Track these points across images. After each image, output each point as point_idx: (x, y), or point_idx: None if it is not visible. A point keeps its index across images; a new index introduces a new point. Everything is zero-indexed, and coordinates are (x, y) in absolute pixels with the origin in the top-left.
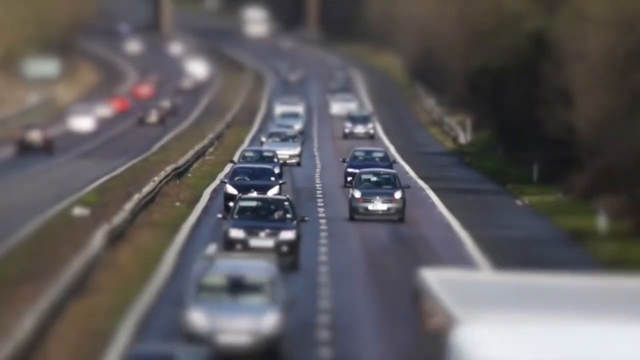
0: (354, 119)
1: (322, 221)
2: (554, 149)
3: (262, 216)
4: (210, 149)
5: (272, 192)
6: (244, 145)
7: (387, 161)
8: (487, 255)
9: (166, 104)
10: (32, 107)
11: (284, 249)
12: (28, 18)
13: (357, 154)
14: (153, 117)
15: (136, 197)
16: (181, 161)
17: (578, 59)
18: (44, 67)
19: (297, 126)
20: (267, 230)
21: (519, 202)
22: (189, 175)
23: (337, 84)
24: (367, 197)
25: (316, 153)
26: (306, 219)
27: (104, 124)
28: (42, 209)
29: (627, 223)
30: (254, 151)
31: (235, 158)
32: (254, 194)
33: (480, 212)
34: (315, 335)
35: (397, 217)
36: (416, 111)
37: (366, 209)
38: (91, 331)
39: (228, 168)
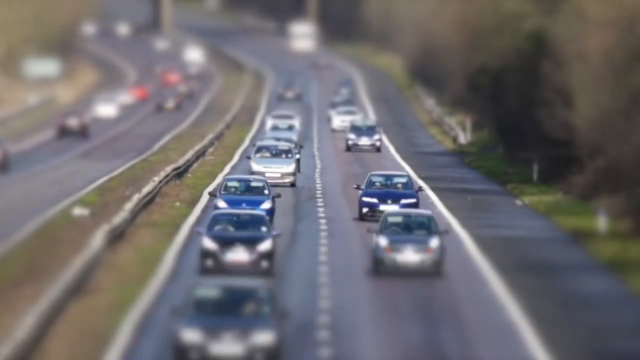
0: (358, 130)
1: (322, 221)
2: (553, 148)
3: (229, 312)
4: (210, 149)
5: (263, 247)
6: (227, 169)
7: (411, 188)
8: (486, 255)
9: (183, 88)
10: (32, 107)
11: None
12: (28, 18)
13: (375, 179)
14: (170, 103)
15: (136, 197)
16: (181, 161)
17: (578, 59)
18: (44, 67)
19: (293, 136)
20: (235, 331)
21: (518, 202)
22: (189, 175)
23: (340, 98)
24: (395, 245)
25: (316, 153)
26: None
27: (125, 111)
28: (42, 209)
29: (627, 223)
30: (239, 180)
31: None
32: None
33: (480, 212)
34: (316, 336)
35: (433, 270)
36: (416, 111)
37: (394, 261)
38: (91, 331)
39: (228, 169)
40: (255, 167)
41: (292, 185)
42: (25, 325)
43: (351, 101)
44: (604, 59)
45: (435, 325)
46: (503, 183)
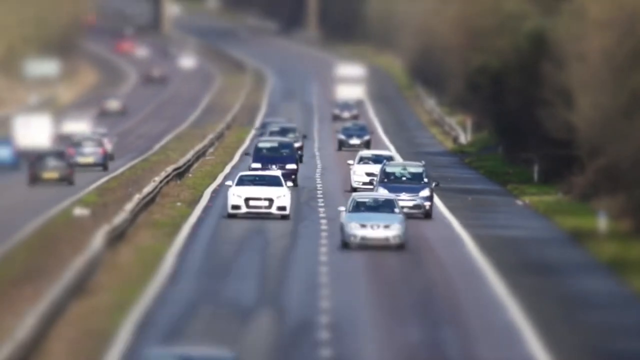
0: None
1: (323, 221)
2: (554, 149)
3: None
4: (211, 149)
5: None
6: (228, 169)
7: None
8: (487, 255)
9: (156, 72)
10: (32, 107)
11: None
12: (28, 18)
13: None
14: (156, 72)
15: (136, 197)
16: (182, 161)
17: (578, 59)
18: (44, 67)
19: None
20: None
21: (519, 202)
22: (190, 175)
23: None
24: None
25: (317, 153)
26: None
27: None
28: (42, 209)
29: (627, 223)
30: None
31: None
32: None
33: (481, 212)
34: (316, 336)
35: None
36: (416, 111)
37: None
38: (92, 331)
39: (228, 169)
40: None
41: (285, 217)
42: (25, 325)
43: (364, 128)
44: (604, 59)
45: (435, 325)
46: (503, 183)
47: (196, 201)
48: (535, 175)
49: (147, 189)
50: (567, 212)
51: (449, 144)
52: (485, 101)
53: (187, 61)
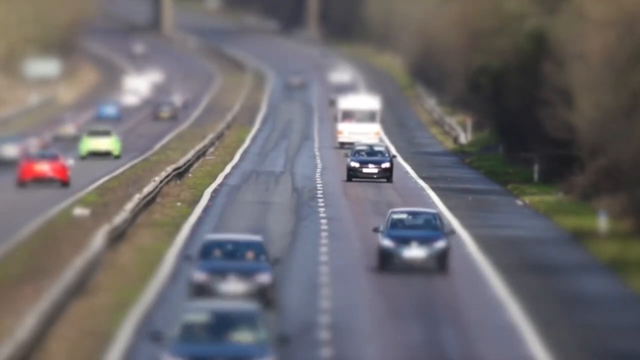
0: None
1: (323, 221)
2: (554, 148)
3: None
4: (211, 149)
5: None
6: (228, 169)
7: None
8: (487, 255)
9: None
10: (32, 107)
11: None
12: (28, 18)
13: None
14: (165, 112)
15: (137, 197)
16: (182, 161)
17: (579, 59)
18: (44, 67)
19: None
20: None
21: (519, 202)
22: (190, 175)
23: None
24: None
25: (317, 153)
26: None
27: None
28: (43, 209)
29: (627, 223)
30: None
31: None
32: None
33: (481, 212)
34: (316, 336)
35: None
36: (417, 111)
37: None
38: (92, 331)
39: (228, 168)
40: None
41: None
42: (26, 325)
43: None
44: (604, 59)
45: (436, 325)
46: (504, 183)
47: (196, 201)
48: (536, 175)
49: (148, 189)
50: (567, 212)
51: (449, 144)
52: (485, 101)
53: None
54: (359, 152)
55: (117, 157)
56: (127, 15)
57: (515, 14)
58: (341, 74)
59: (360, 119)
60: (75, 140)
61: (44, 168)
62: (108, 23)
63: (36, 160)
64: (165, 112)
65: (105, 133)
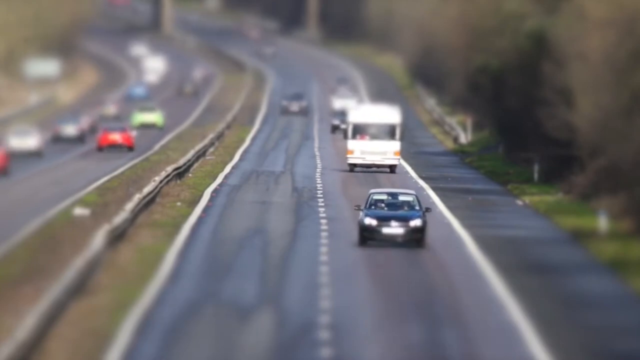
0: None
1: (323, 221)
2: (554, 148)
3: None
4: (211, 149)
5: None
6: (228, 169)
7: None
8: (487, 255)
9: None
10: (33, 107)
11: None
12: (28, 18)
13: None
14: (188, 88)
15: (137, 197)
16: (182, 161)
17: (578, 59)
18: (44, 67)
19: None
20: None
21: (519, 202)
22: (190, 175)
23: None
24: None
25: (317, 153)
26: None
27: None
28: (43, 209)
29: (627, 223)
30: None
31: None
32: None
33: (481, 212)
34: (317, 336)
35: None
36: (417, 111)
37: None
38: (92, 331)
39: (228, 168)
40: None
41: None
42: (26, 325)
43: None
44: (604, 59)
45: (436, 325)
46: (504, 183)
47: (196, 201)
48: (536, 175)
49: (148, 189)
50: (567, 212)
51: (449, 144)
52: (485, 101)
53: (155, 63)
54: (376, 202)
55: (161, 128)
56: (127, 15)
57: (515, 13)
58: (345, 100)
59: (375, 136)
60: (116, 118)
61: (116, 137)
62: (108, 23)
63: (110, 131)
64: (188, 88)
65: (151, 109)
